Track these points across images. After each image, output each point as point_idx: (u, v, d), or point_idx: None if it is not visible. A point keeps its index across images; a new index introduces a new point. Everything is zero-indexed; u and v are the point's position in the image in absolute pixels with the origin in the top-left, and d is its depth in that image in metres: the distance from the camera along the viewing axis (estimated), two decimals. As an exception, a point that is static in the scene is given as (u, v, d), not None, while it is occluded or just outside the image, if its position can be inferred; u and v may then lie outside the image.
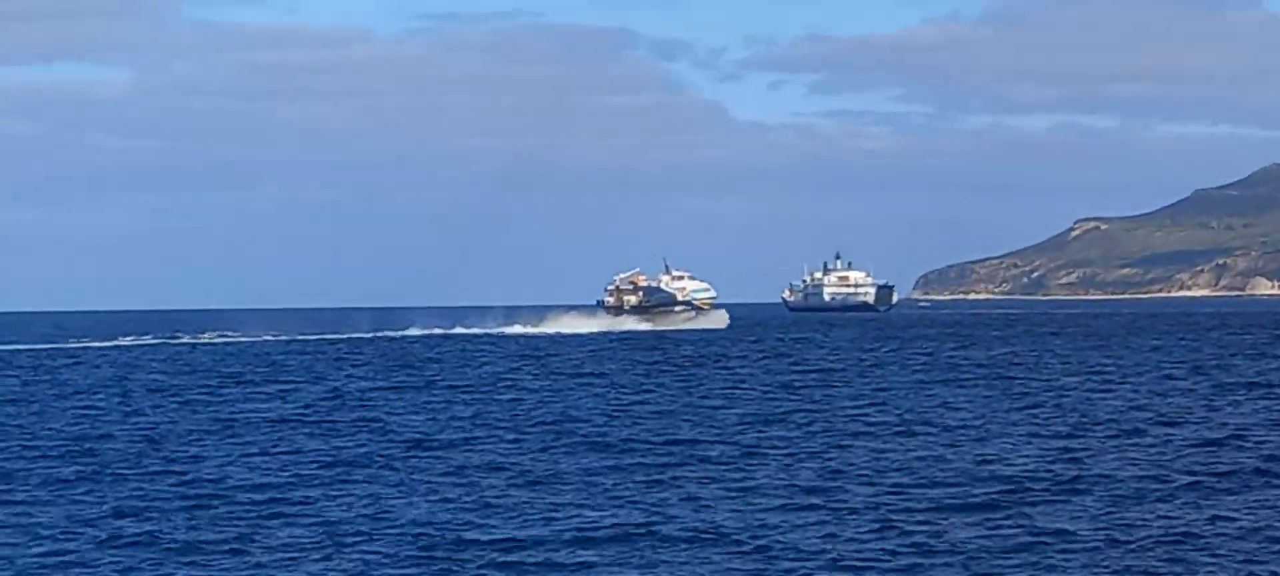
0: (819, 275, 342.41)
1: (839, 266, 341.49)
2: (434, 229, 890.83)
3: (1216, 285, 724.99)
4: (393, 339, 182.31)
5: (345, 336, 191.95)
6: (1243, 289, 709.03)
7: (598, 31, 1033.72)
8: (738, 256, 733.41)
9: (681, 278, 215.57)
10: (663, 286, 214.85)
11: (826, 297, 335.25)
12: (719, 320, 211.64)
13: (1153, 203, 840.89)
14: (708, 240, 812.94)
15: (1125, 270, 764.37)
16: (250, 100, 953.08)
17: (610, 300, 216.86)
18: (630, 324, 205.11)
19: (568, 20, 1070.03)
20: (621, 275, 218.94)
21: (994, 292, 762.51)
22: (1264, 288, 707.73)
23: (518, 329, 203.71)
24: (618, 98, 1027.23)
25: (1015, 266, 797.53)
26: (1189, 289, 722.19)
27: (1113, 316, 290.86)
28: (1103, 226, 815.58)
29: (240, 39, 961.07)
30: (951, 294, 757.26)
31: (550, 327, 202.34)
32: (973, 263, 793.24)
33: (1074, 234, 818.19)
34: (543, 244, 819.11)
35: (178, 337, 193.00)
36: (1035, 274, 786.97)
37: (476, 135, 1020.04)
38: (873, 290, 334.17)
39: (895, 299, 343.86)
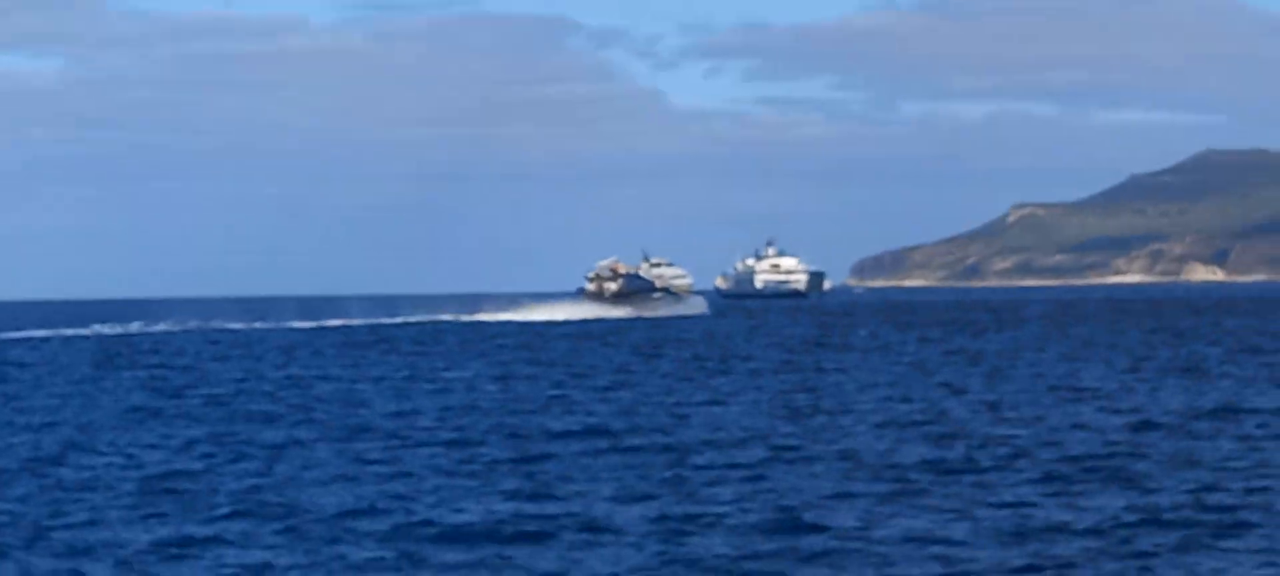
0: (751, 262, 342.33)
1: (771, 254, 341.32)
2: (371, 219, 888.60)
3: (1152, 271, 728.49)
4: (330, 328, 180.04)
5: (274, 325, 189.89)
6: (1177, 275, 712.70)
7: (535, 20, 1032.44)
8: (674, 244, 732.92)
9: (660, 265, 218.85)
10: (641, 273, 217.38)
11: (758, 285, 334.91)
12: (698, 306, 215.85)
13: (1089, 189, 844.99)
14: (645, 228, 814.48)
15: (1061, 256, 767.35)
16: (185, 90, 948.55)
17: (591, 287, 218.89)
18: (611, 310, 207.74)
19: (505, 9, 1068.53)
20: (602, 262, 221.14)
21: (930, 279, 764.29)
22: (1199, 273, 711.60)
23: (506, 315, 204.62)
24: (556, 87, 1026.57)
25: (952, 253, 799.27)
26: (1124, 275, 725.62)
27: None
28: (1039, 213, 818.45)
29: (174, 29, 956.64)
30: (888, 281, 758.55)
31: (536, 315, 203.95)
32: (909, 249, 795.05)
33: (1010, 220, 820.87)
34: (480, 234, 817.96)
35: (92, 330, 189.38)
36: (971, 260, 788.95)
37: (414, 125, 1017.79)
38: (804, 277, 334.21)
39: (827, 286, 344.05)
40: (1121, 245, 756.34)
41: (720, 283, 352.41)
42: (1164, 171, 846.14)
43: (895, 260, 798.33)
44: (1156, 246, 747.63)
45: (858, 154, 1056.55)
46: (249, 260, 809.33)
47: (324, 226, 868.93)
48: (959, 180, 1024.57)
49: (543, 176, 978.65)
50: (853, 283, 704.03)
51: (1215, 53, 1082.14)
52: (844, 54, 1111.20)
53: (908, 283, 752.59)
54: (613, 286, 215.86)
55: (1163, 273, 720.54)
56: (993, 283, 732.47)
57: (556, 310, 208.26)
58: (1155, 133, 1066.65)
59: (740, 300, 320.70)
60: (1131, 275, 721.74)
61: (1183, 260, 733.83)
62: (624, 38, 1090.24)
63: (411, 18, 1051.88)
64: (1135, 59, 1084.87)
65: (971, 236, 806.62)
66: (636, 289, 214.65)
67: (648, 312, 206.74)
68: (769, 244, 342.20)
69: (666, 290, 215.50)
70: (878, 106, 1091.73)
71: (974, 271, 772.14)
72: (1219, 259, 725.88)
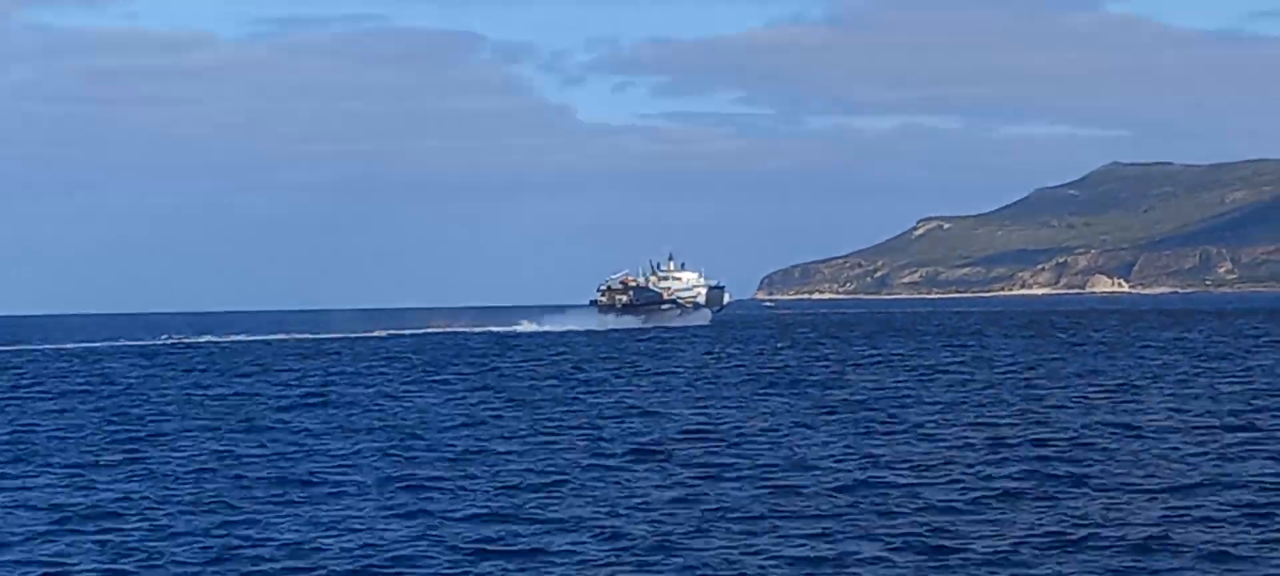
0: (652, 277, 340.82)
1: (670, 267, 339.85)
2: (278, 232, 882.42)
3: (1057, 283, 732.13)
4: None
5: (140, 343, 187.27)
6: (1083, 287, 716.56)
7: (442, 34, 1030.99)
8: (581, 259, 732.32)
9: (667, 277, 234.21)
10: (651, 286, 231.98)
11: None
12: (703, 317, 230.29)
13: (995, 202, 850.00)
14: (553, 243, 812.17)
15: (967, 269, 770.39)
16: (92, 106, 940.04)
17: (603, 299, 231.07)
18: (622, 321, 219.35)
19: (412, 23, 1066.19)
20: (613, 276, 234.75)
21: (838, 292, 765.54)
22: (1103, 285, 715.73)
23: (525, 326, 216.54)
24: (463, 101, 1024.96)
25: (859, 266, 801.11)
26: (1030, 287, 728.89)
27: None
28: (945, 226, 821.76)
29: (80, 44, 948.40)
30: (795, 294, 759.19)
31: (553, 326, 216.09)
32: (817, 262, 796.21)
33: (917, 233, 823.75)
34: (388, 248, 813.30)
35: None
36: (879, 273, 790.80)
37: (322, 140, 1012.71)
38: (703, 291, 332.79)
39: (727, 299, 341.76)
40: (1027, 258, 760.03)
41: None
42: (1068, 184, 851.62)
43: (803, 273, 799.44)
44: (1061, 259, 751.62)
45: (765, 168, 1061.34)
46: (154, 276, 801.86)
47: (230, 240, 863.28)
48: (866, 193, 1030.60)
49: (450, 190, 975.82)
50: (762, 296, 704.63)
51: (1119, 67, 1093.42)
52: (751, 68, 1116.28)
53: (816, 296, 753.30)
54: (624, 298, 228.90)
55: (1067, 285, 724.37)
56: (901, 295, 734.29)
57: (579, 320, 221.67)
58: (1060, 146, 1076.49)
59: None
60: (1037, 287, 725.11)
61: (1087, 273, 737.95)
62: (531, 53, 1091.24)
63: (318, 32, 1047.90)
64: (1039, 73, 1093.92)
65: (879, 250, 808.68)
66: (645, 301, 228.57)
67: (657, 322, 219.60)
68: (670, 257, 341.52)
69: (675, 301, 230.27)
70: (785, 120, 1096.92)
71: (882, 284, 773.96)
72: (1123, 271, 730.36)
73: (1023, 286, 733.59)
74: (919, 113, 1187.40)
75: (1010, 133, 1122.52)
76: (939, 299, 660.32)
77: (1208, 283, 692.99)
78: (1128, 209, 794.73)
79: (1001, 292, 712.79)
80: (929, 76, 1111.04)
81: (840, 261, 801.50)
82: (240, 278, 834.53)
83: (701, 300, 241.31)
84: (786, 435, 56.82)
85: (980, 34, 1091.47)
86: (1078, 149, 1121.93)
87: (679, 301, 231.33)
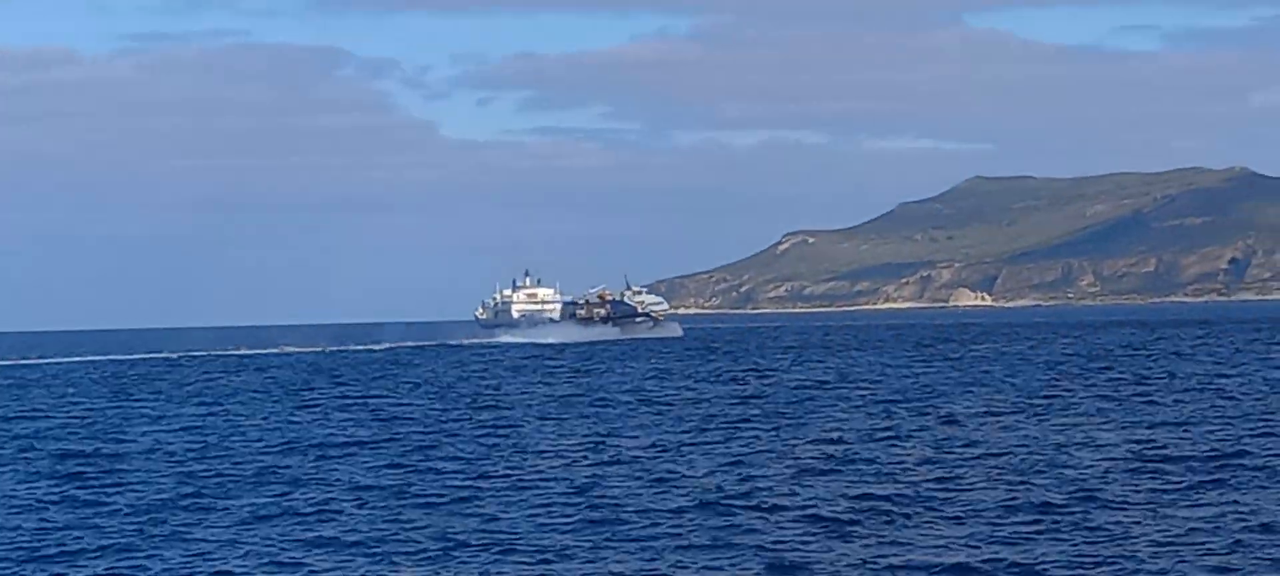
0: (508, 293, 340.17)
1: (527, 284, 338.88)
2: (143, 251, 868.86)
3: (921, 297, 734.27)
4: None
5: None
6: (946, 301, 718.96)
7: (307, 50, 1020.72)
8: (450, 276, 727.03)
9: (640, 294, 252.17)
10: (626, 300, 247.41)
11: (515, 315, 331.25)
12: (674, 330, 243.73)
13: (859, 216, 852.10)
14: (419, 260, 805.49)
15: (832, 283, 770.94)
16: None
17: (582, 313, 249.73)
18: (602, 333, 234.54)
19: (277, 39, 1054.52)
20: (591, 291, 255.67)
21: (704, 306, 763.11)
22: (967, 299, 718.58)
23: (511, 337, 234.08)
24: (329, 118, 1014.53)
25: (724, 280, 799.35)
26: (894, 301, 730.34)
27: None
28: (810, 240, 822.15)
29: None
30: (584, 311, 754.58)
31: (540, 337, 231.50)
32: (683, 277, 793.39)
33: (782, 247, 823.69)
34: (254, 266, 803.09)
35: None
36: (744, 287, 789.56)
37: (187, 157, 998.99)
38: (558, 307, 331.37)
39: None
40: (891, 272, 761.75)
41: (480, 313, 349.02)
42: (932, 199, 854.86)
43: (670, 288, 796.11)
44: (925, 273, 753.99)
45: (632, 182, 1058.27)
46: (12, 295, 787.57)
47: (94, 259, 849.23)
48: (732, 208, 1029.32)
49: (317, 208, 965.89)
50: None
51: (982, 81, 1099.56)
52: (617, 83, 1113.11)
53: (682, 310, 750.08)
54: (602, 311, 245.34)
55: (931, 299, 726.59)
56: (766, 309, 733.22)
57: (561, 332, 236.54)
58: (923, 160, 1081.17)
59: (500, 330, 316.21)
60: (901, 301, 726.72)
61: (951, 286, 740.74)
62: (396, 68, 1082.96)
63: (182, 48, 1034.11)
64: (903, 88, 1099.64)
65: (744, 264, 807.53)
66: (622, 314, 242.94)
67: (633, 334, 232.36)
68: (526, 274, 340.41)
69: (648, 315, 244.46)
70: (651, 135, 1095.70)
71: (748, 298, 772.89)
72: (987, 285, 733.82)
73: (887, 300, 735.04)
74: (784, 127, 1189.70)
75: (875, 147, 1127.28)
76: (805, 313, 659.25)
77: (1070, 295, 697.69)
78: (991, 223, 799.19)
79: (866, 307, 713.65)
80: (794, 91, 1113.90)
81: (706, 276, 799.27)
82: (108, 296, 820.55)
83: (556, 316, 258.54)
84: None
85: (845, 49, 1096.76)
86: (941, 163, 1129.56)
87: (651, 315, 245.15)
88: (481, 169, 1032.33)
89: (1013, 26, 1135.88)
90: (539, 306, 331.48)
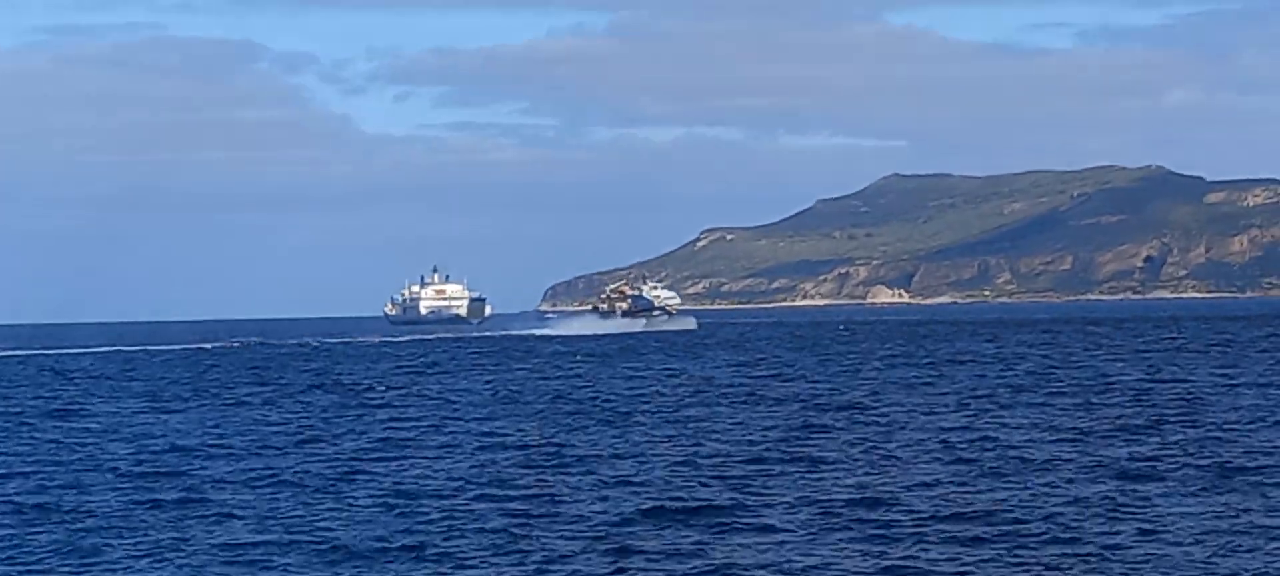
0: (416, 289, 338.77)
1: (436, 280, 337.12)
2: (53, 246, 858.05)
3: (839, 294, 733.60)
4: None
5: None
6: (863, 298, 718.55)
7: (221, 44, 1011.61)
8: (366, 271, 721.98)
9: (656, 289, 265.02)
10: (644, 294, 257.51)
11: (423, 311, 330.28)
12: (689, 323, 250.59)
13: (777, 213, 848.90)
14: (337, 256, 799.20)
15: (750, 280, 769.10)
16: None
17: (603, 307, 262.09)
18: (622, 325, 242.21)
19: (191, 33, 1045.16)
20: (611, 286, 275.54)
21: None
22: (884, 296, 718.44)
23: (545, 331, 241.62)
24: (244, 112, 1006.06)
25: (643, 277, 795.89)
26: (812, 298, 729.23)
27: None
28: (728, 237, 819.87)
29: None
30: (580, 305, 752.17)
31: (565, 330, 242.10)
32: (601, 274, 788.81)
33: (700, 244, 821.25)
34: (164, 262, 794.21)
35: None
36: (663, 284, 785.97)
37: (99, 152, 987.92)
38: (465, 303, 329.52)
39: (488, 311, 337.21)
40: (809, 269, 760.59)
41: (389, 309, 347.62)
42: (849, 196, 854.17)
43: (588, 285, 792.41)
44: (843, 270, 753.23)
45: (549, 179, 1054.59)
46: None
47: (4, 253, 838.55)
48: (650, 205, 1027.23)
49: (233, 202, 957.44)
50: (545, 308, 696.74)
51: (897, 78, 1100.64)
52: (534, 79, 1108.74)
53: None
54: (623, 305, 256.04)
55: (849, 296, 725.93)
56: (686, 306, 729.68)
57: (585, 325, 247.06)
58: (841, 157, 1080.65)
59: (408, 326, 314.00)
60: (819, 298, 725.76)
61: (868, 283, 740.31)
62: (312, 62, 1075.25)
63: (95, 41, 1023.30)
64: (820, 84, 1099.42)
65: (662, 261, 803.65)
66: (641, 308, 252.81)
67: (651, 327, 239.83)
68: (434, 270, 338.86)
69: (664, 309, 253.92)
70: (568, 132, 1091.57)
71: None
72: (904, 282, 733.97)
73: (805, 297, 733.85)
74: (702, 124, 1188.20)
75: (792, 144, 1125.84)
76: (723, 310, 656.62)
77: (987, 293, 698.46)
78: (908, 220, 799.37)
79: (784, 304, 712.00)
80: (711, 87, 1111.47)
81: (624, 273, 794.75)
82: (15, 291, 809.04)
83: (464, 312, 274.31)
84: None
85: (762, 45, 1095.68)
86: (858, 160, 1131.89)
87: (667, 309, 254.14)
88: (398, 165, 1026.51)
89: (930, 23, 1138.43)
90: (447, 302, 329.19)
